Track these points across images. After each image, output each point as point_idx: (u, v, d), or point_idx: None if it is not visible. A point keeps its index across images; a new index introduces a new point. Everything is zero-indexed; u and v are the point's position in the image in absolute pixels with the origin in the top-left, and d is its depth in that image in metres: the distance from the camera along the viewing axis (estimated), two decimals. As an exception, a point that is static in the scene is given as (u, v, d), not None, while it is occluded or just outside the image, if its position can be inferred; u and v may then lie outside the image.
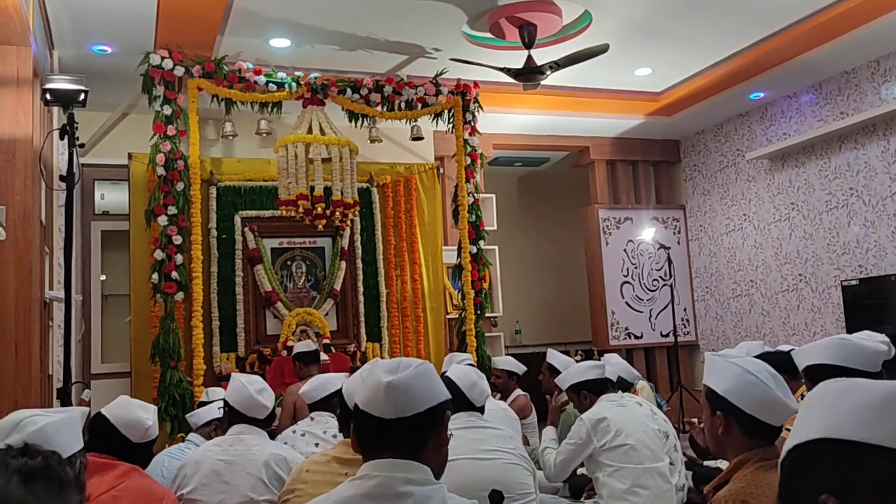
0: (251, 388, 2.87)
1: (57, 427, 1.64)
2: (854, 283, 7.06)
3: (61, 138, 3.99)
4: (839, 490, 0.96)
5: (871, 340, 2.44)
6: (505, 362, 5.63)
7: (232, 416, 2.91)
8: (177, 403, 5.60)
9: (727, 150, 8.63)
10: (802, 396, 3.26)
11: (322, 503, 1.57)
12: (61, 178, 4.02)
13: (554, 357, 5.03)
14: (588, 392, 3.79)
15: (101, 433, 2.42)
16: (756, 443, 1.84)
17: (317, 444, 3.39)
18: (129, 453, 2.40)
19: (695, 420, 4.27)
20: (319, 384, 3.62)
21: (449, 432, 1.71)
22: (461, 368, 3.05)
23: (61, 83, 4.03)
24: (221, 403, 3.85)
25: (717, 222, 8.81)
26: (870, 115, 6.78)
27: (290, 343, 6.31)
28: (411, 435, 1.54)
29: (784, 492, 1.05)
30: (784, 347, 3.96)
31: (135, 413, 2.47)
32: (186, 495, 2.70)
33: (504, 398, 5.37)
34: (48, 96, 4.00)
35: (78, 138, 3.94)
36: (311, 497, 2.19)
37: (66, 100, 3.99)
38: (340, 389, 2.59)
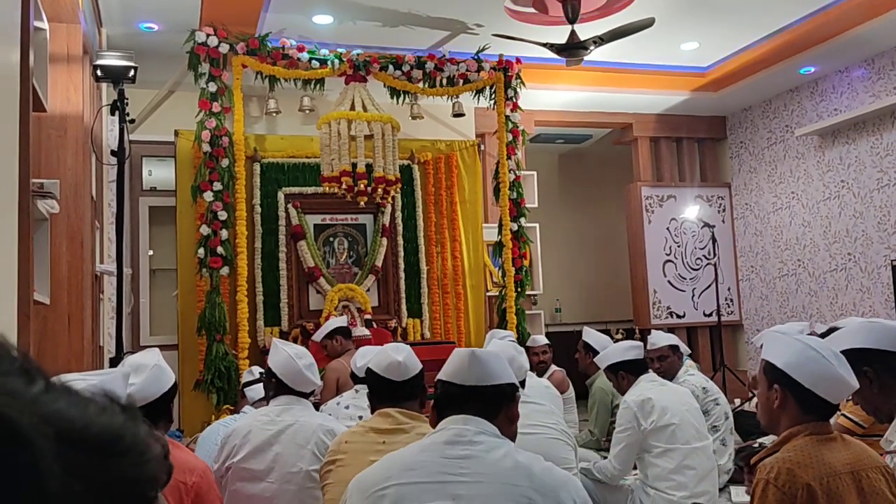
0: (300, 363, 2.89)
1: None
2: (905, 263, 6.88)
3: (112, 114, 4.08)
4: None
5: None
6: (540, 340, 5.76)
7: (279, 387, 2.93)
8: (222, 376, 5.73)
9: (775, 126, 8.44)
10: None
11: (400, 455, 1.75)
12: (112, 153, 4.11)
13: (590, 335, 5.02)
14: (626, 373, 3.77)
15: None
16: (810, 418, 1.85)
17: (360, 417, 3.43)
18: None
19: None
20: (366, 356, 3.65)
21: None
22: (500, 344, 3.06)
23: (112, 59, 4.11)
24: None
25: (763, 200, 8.64)
26: (926, 89, 6.57)
27: (332, 318, 6.39)
28: (486, 402, 1.81)
29: None
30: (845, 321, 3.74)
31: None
32: (237, 464, 2.76)
33: (540, 374, 5.39)
34: (99, 72, 4.08)
35: (128, 114, 4.02)
36: (352, 466, 2.23)
37: (116, 76, 4.07)
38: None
